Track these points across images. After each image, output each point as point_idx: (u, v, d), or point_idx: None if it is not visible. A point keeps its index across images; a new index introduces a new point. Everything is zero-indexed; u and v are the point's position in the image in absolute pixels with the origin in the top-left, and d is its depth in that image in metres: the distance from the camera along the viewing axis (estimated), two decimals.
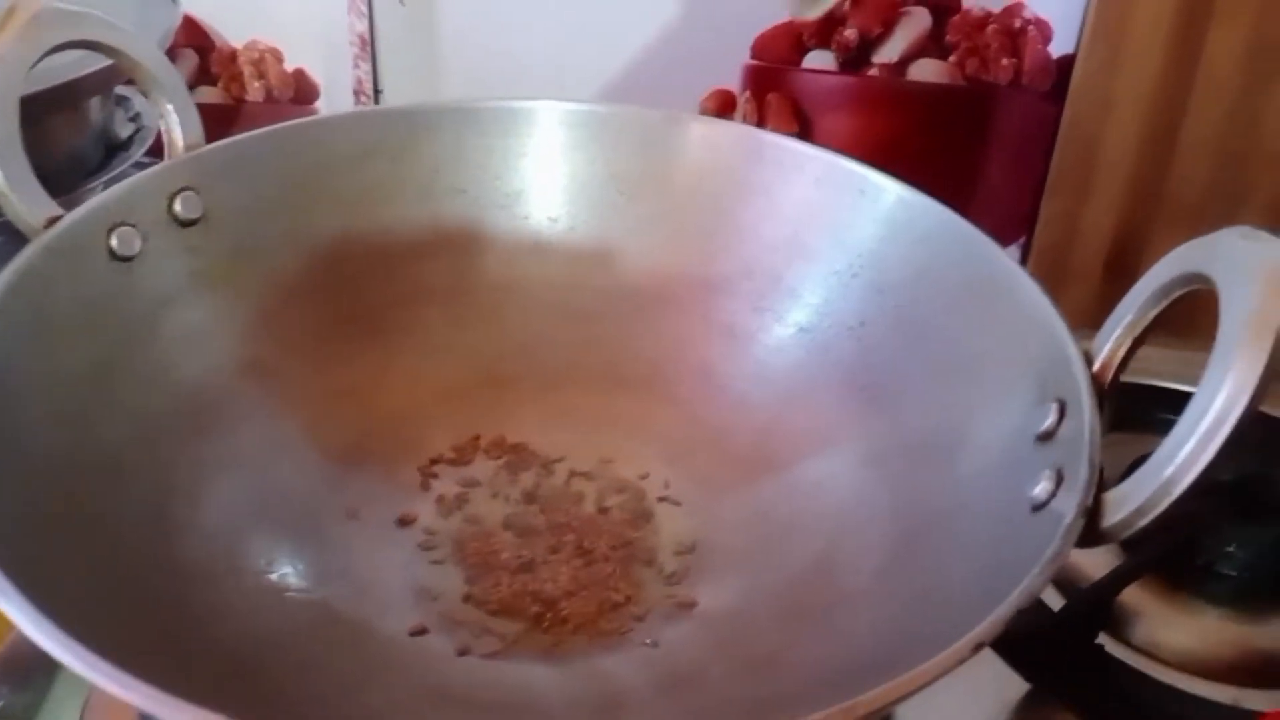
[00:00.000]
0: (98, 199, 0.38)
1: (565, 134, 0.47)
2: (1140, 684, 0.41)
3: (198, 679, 0.29)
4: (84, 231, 0.38)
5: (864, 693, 0.24)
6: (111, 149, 0.61)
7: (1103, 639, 0.42)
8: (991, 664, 0.42)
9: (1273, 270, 0.27)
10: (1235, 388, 0.27)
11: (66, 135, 0.56)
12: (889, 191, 0.43)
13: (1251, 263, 0.28)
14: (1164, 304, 0.33)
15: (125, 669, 0.24)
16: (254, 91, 0.73)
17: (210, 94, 0.73)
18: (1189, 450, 0.27)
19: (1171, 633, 0.43)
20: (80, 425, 0.34)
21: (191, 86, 0.73)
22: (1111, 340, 0.34)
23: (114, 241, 0.38)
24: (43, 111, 0.52)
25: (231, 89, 0.73)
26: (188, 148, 0.42)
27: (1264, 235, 0.29)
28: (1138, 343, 0.34)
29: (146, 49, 0.40)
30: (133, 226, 0.39)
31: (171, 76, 0.41)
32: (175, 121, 0.41)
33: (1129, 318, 0.33)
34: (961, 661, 0.25)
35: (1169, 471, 0.28)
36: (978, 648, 0.25)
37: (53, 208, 0.38)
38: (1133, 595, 0.44)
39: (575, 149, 0.47)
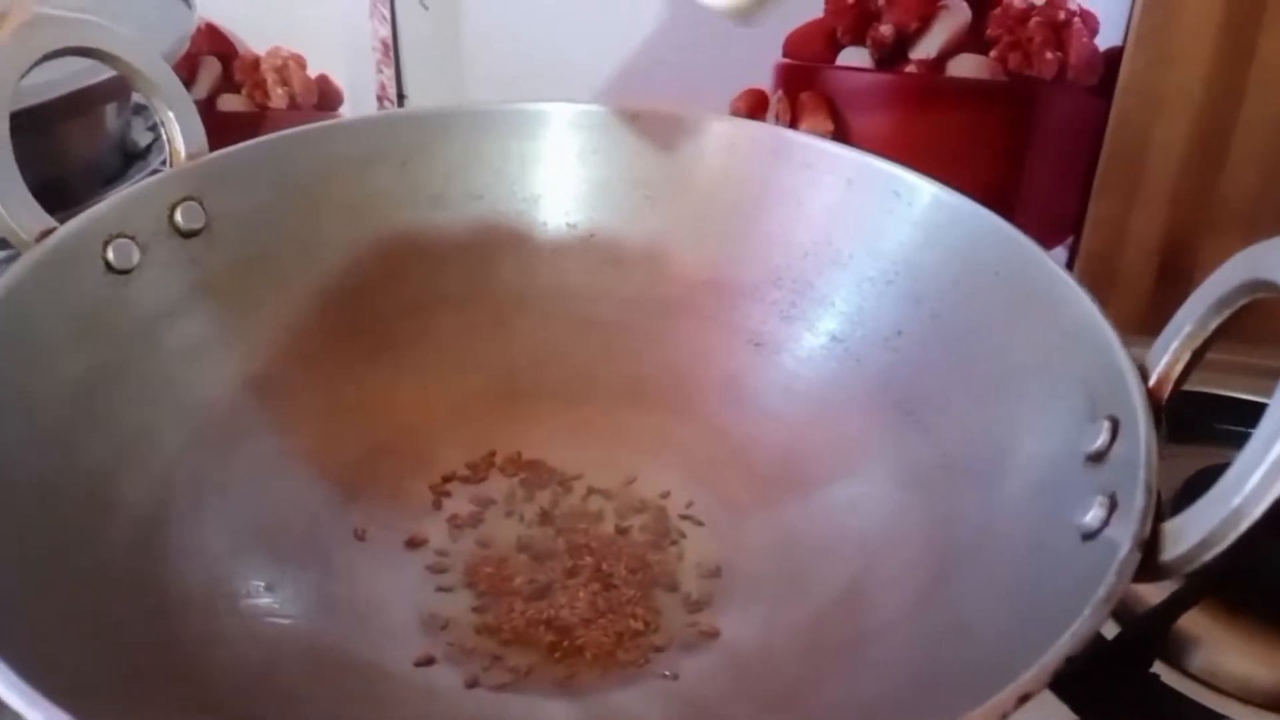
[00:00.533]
0: (93, 210, 0.37)
1: (583, 136, 0.45)
2: (1198, 716, 0.38)
3: (177, 711, 0.27)
4: (78, 245, 0.36)
5: None
6: (130, 158, 0.60)
7: (1158, 668, 0.39)
8: (1039, 696, 0.39)
9: None
10: None
11: (81, 144, 0.55)
12: (925, 192, 0.41)
13: None
14: (1226, 314, 0.30)
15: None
16: (277, 99, 0.72)
17: (234, 101, 0.72)
18: (1261, 476, 0.24)
19: (1232, 659, 0.41)
20: (67, 445, 0.33)
21: (215, 94, 0.72)
22: (1169, 353, 0.31)
23: (110, 254, 0.37)
24: (55, 119, 0.51)
25: (255, 96, 0.72)
26: (190, 156, 0.40)
27: None
28: (1198, 355, 0.31)
29: (145, 55, 0.39)
30: (130, 239, 0.38)
31: (172, 83, 0.39)
32: (177, 130, 0.40)
33: (1188, 328, 0.31)
34: (1004, 715, 0.23)
35: (1237, 501, 0.25)
36: (1023, 699, 0.23)
37: (46, 220, 0.36)
38: (1190, 619, 0.41)
39: (594, 151, 0.45)
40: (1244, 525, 0.25)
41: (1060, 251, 0.69)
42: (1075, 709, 0.38)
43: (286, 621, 0.35)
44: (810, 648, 0.35)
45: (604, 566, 0.39)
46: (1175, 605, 0.40)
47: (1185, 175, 0.64)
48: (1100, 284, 0.66)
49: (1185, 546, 0.26)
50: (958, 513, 0.35)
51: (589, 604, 0.38)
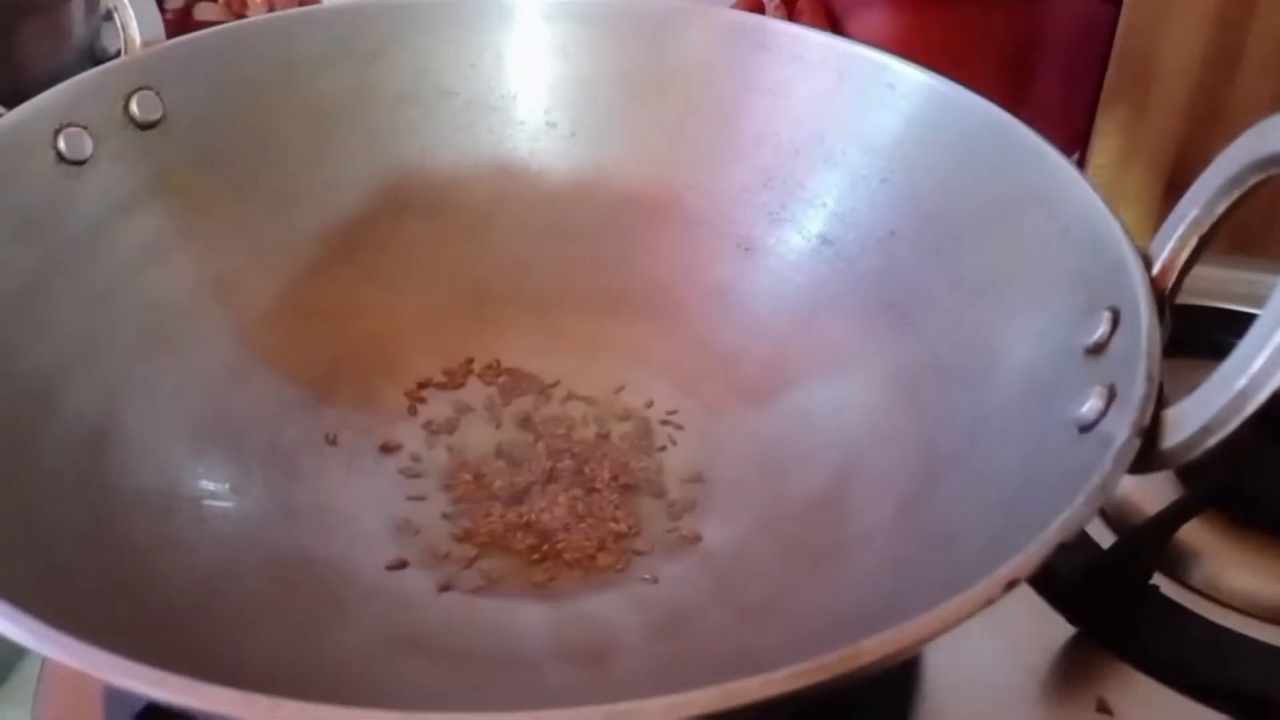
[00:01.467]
0: (43, 96, 0.35)
1: (562, 29, 0.43)
2: (1198, 628, 0.37)
3: (137, 621, 0.26)
4: (28, 132, 0.34)
5: (868, 639, 0.20)
6: (100, 64, 0.58)
7: (1158, 580, 0.38)
8: (1032, 605, 0.38)
9: None
10: None
11: (44, 47, 0.53)
12: (920, 84, 0.39)
13: None
14: (1235, 195, 0.28)
15: (42, 619, 0.21)
16: (255, 7, 0.69)
17: (210, 10, 0.70)
18: (1267, 358, 0.23)
19: (1234, 573, 0.39)
20: (8, 344, 0.31)
21: (190, 4, 0.69)
22: (1174, 239, 0.29)
23: (61, 143, 0.35)
24: (13, 19, 0.49)
25: (232, 5, 0.70)
26: (145, 44, 0.38)
27: None
28: (1204, 242, 0.29)
29: None
30: (83, 128, 0.36)
31: None
32: (131, 15, 0.38)
33: (1194, 212, 0.29)
34: (991, 601, 0.21)
35: (1241, 383, 0.23)
36: (1010, 585, 0.21)
37: None
38: (1192, 532, 0.40)
39: (574, 46, 0.43)
40: (1248, 409, 0.23)
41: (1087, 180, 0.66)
42: (1071, 620, 0.37)
43: (248, 523, 0.33)
44: (790, 553, 0.33)
45: (585, 471, 0.38)
46: (1174, 516, 0.38)
47: (1196, 85, 0.61)
48: (1109, 196, 0.63)
49: (1187, 433, 0.24)
50: (948, 414, 0.33)
51: (569, 509, 0.37)
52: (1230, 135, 0.64)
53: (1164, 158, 0.64)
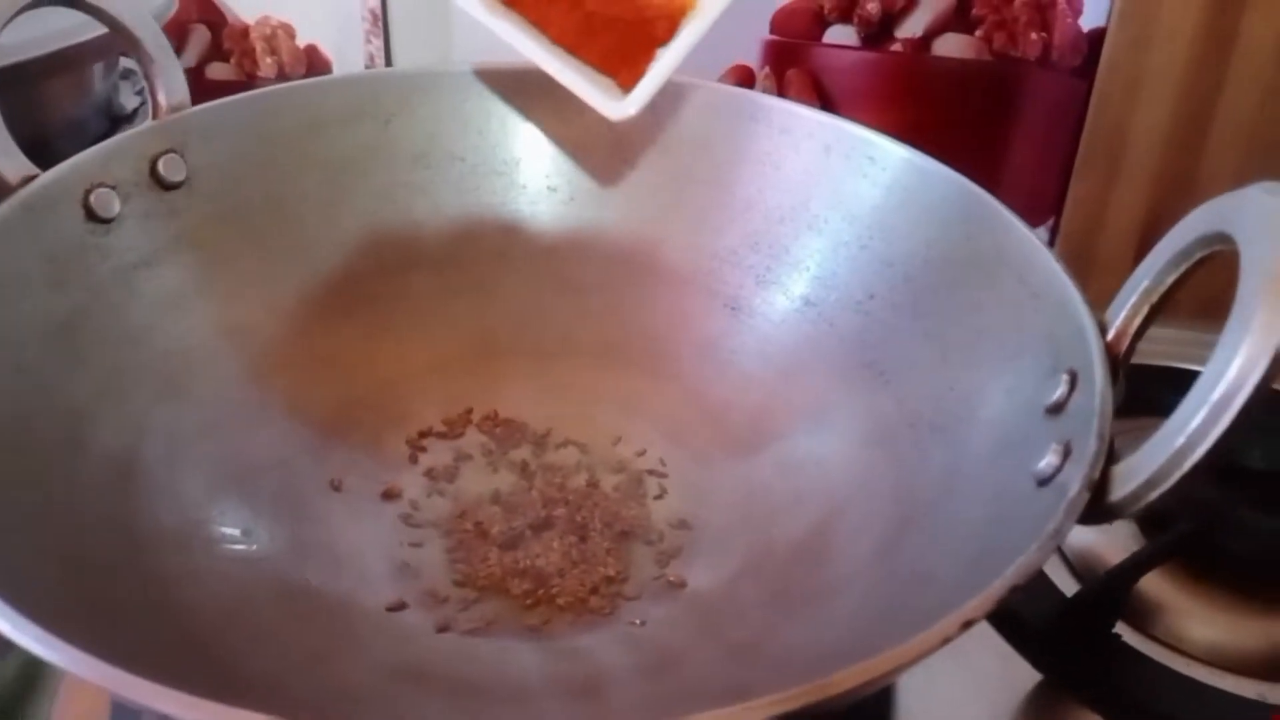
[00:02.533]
0: (76, 159, 0.37)
1: (563, 99, 0.45)
2: (1159, 676, 0.39)
3: (151, 647, 0.28)
4: (59, 191, 0.37)
5: (837, 672, 0.22)
6: (116, 121, 0.60)
7: (1122, 630, 0.40)
8: (1000, 651, 0.40)
9: None
10: (1253, 352, 0.25)
11: (66, 103, 0.56)
12: (898, 157, 0.41)
13: (1275, 218, 0.26)
14: (1184, 267, 0.30)
15: (72, 642, 0.23)
16: (266, 68, 0.72)
17: (222, 70, 0.72)
18: (1202, 418, 0.25)
19: (1195, 625, 0.41)
20: (45, 385, 0.33)
21: (203, 63, 0.72)
22: (1127, 307, 0.32)
23: (92, 202, 0.38)
24: (41, 77, 0.52)
25: (244, 65, 0.72)
26: (172, 109, 0.40)
27: None
28: (1154, 311, 0.31)
29: (126, 6, 0.39)
30: (112, 188, 0.38)
31: (154, 34, 0.40)
32: (159, 82, 0.40)
33: (1145, 283, 0.31)
34: (948, 639, 0.23)
35: (1180, 441, 0.26)
36: (966, 625, 0.23)
37: (29, 167, 0.37)
38: (1156, 585, 0.42)
39: (575, 114, 0.46)
40: (1187, 465, 0.25)
41: (1042, 232, 0.69)
42: (1037, 666, 0.39)
43: (260, 562, 0.35)
44: (774, 597, 0.35)
45: (578, 518, 0.40)
46: (1136, 566, 0.40)
47: (1166, 156, 0.64)
48: (1080, 263, 0.66)
49: (1132, 486, 0.27)
50: (922, 467, 0.36)
51: (563, 554, 0.38)
52: (1198, 205, 0.67)
53: (1134, 226, 0.66)
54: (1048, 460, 0.30)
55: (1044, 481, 0.29)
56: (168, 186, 0.40)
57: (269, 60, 0.72)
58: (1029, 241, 0.36)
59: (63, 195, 0.37)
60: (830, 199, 0.43)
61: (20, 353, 0.33)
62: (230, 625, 0.32)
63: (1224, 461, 0.43)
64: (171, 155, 0.40)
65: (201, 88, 0.72)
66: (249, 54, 0.72)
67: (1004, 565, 0.25)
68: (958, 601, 0.25)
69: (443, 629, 0.36)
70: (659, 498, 0.41)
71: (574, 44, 0.41)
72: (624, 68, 0.41)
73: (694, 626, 0.35)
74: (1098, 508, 0.27)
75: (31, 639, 0.23)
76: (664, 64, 0.41)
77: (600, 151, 0.46)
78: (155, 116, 0.41)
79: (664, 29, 0.41)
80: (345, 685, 0.32)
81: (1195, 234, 0.30)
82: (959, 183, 0.39)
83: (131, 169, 0.39)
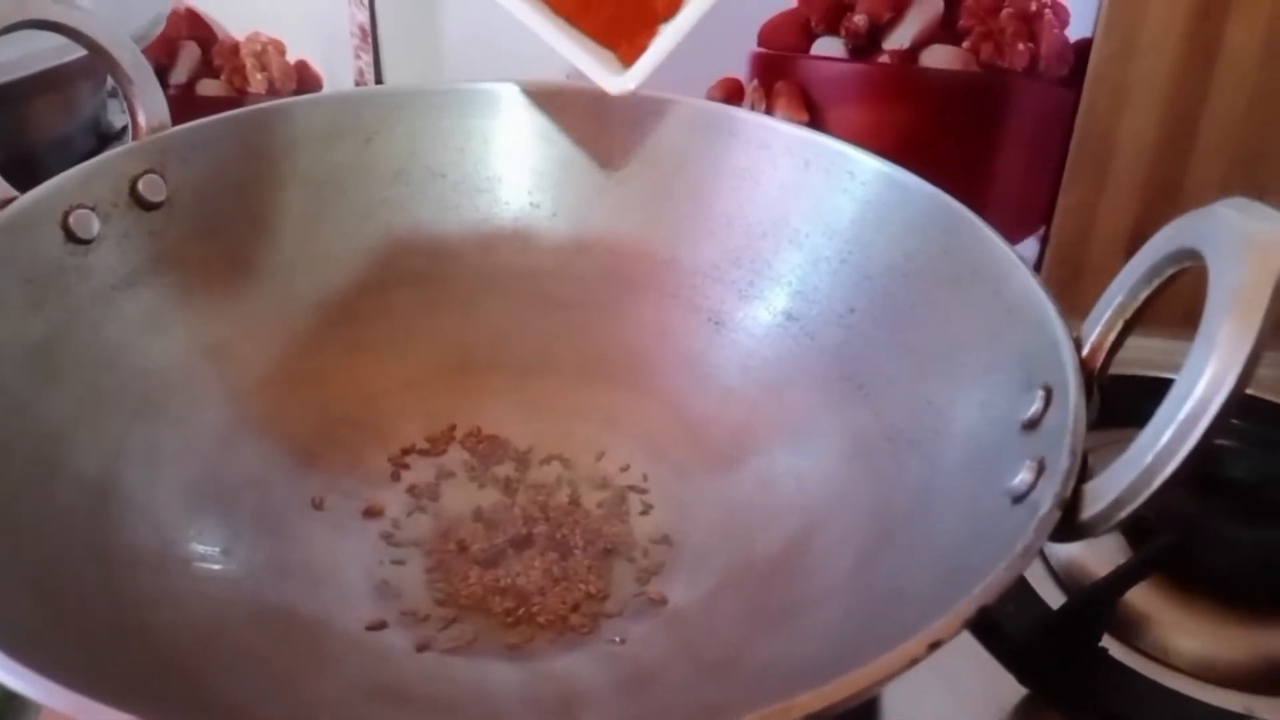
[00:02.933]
0: (55, 180, 0.38)
1: (543, 116, 0.46)
2: (1146, 690, 0.39)
3: (126, 671, 0.28)
4: (38, 213, 0.37)
5: (801, 694, 0.22)
6: (104, 139, 0.61)
7: (1109, 643, 0.40)
8: (986, 665, 0.39)
9: (1264, 243, 0.25)
10: (1220, 369, 0.25)
11: (54, 122, 0.56)
12: (878, 172, 0.41)
13: (1241, 235, 0.26)
14: (1156, 284, 0.31)
15: (43, 671, 0.23)
16: (256, 84, 0.72)
17: (213, 87, 0.73)
18: (1170, 437, 0.25)
19: (1182, 638, 0.41)
20: (21, 405, 0.33)
21: (194, 79, 0.72)
22: (1101, 323, 0.32)
23: (71, 223, 0.38)
24: (27, 97, 0.52)
25: (234, 81, 0.73)
26: (152, 129, 0.41)
27: (1257, 207, 0.27)
28: (1129, 326, 0.31)
29: (105, 28, 0.39)
30: (91, 209, 0.38)
31: (133, 56, 0.40)
32: (139, 103, 0.40)
33: (1119, 299, 0.31)
34: (914, 661, 0.23)
35: (1149, 460, 0.25)
36: (934, 646, 0.23)
37: (7, 190, 0.37)
38: (1142, 598, 0.42)
39: (555, 131, 0.46)
40: (1156, 483, 0.25)
41: (1031, 242, 0.69)
42: (1023, 681, 0.39)
43: (238, 582, 0.35)
44: (751, 613, 0.35)
45: (559, 536, 0.40)
46: (1122, 579, 0.40)
47: (1153, 165, 0.64)
48: (1069, 273, 0.66)
49: (1102, 505, 0.27)
50: (899, 483, 0.36)
51: (544, 572, 0.38)
52: (1185, 212, 0.67)
53: (1123, 234, 0.66)
54: (1022, 477, 0.30)
55: (1018, 498, 0.29)
56: (148, 207, 0.40)
57: (259, 76, 0.72)
58: (1006, 256, 0.36)
59: (42, 216, 0.37)
60: (810, 214, 0.43)
61: None
62: (207, 646, 0.32)
63: (1206, 474, 0.43)
64: (151, 175, 0.40)
65: (192, 104, 0.72)
66: (239, 70, 0.72)
67: (977, 582, 0.25)
68: (934, 615, 0.24)
69: (422, 648, 0.36)
70: (643, 514, 0.41)
71: (574, 14, 0.41)
72: (624, 41, 0.41)
73: (673, 643, 0.35)
74: (1069, 526, 0.27)
75: (16, 678, 0.23)
76: (665, 39, 0.40)
77: (582, 168, 0.46)
78: (135, 137, 0.41)
79: (666, 4, 0.40)
80: (322, 705, 0.32)
81: (1166, 251, 0.30)
82: (937, 197, 0.39)
83: (111, 189, 0.39)
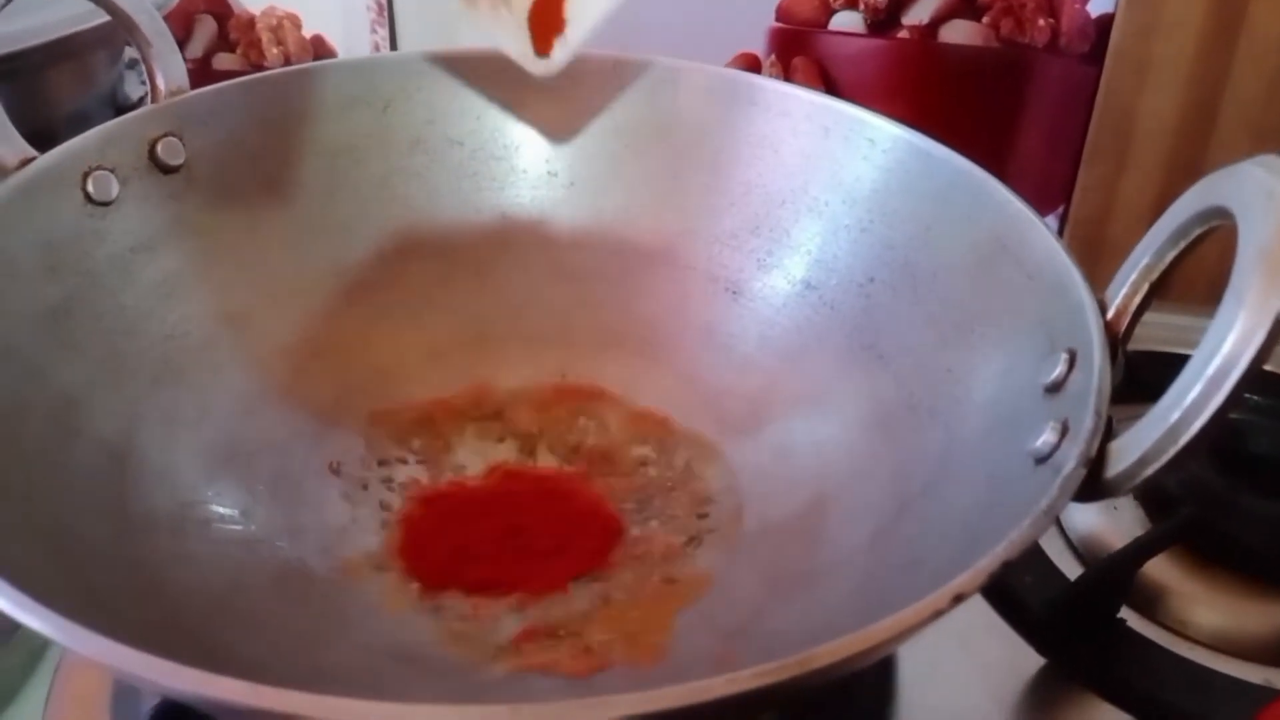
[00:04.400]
0: (74, 141, 0.37)
1: (563, 84, 0.45)
2: (1164, 662, 0.38)
3: (142, 629, 0.28)
4: (58, 174, 0.37)
5: (825, 644, 0.22)
6: (121, 110, 0.61)
7: (1127, 615, 0.40)
8: (1004, 636, 0.39)
9: None
10: (1248, 325, 0.24)
11: (70, 93, 0.56)
12: (899, 139, 0.41)
13: (1270, 192, 0.26)
14: (1183, 244, 0.30)
15: (82, 623, 0.23)
16: (272, 58, 0.72)
17: (228, 60, 0.73)
18: (1197, 393, 0.25)
19: (1201, 610, 0.41)
20: (39, 368, 0.33)
21: (210, 53, 0.72)
22: (1127, 285, 0.31)
23: (90, 185, 0.37)
24: (44, 66, 0.52)
25: (250, 55, 0.73)
26: (171, 93, 0.41)
27: None
28: (1155, 288, 0.31)
29: None
30: (110, 171, 0.38)
31: (151, 19, 0.40)
32: (157, 66, 0.40)
33: (1145, 260, 0.31)
34: (939, 613, 0.23)
35: (1175, 416, 0.25)
36: (957, 599, 0.23)
37: (27, 150, 0.37)
38: (1161, 571, 0.41)
39: (574, 99, 0.46)
40: (1184, 439, 0.25)
41: (1051, 220, 0.69)
42: (1041, 651, 0.39)
43: (255, 544, 0.35)
44: (769, 580, 0.35)
45: (570, 510, 0.39)
46: (1140, 551, 0.40)
47: (1175, 142, 0.64)
48: (1090, 250, 0.66)
49: (1128, 462, 0.26)
50: (919, 448, 0.35)
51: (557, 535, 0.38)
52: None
53: (1143, 212, 0.66)
54: (1045, 438, 0.29)
55: (1041, 460, 0.29)
56: (166, 170, 0.40)
57: (275, 50, 0.72)
58: (1029, 221, 0.35)
59: (61, 178, 0.37)
60: (830, 182, 0.43)
61: (17, 337, 0.33)
62: (223, 607, 0.32)
63: (1227, 448, 0.43)
64: (170, 139, 0.40)
65: (208, 78, 0.72)
66: (255, 44, 0.72)
67: (1000, 540, 0.25)
68: (950, 580, 0.24)
69: (436, 610, 0.35)
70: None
71: None
72: (541, 25, 0.41)
73: (690, 611, 0.35)
74: (1094, 485, 0.27)
75: (36, 618, 0.23)
76: (580, 25, 0.40)
77: (600, 136, 0.46)
78: (154, 100, 0.41)
79: None
80: (340, 665, 0.32)
81: (1193, 210, 0.29)
82: (958, 163, 0.39)
83: (130, 152, 0.39)
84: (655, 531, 0.38)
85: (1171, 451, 0.25)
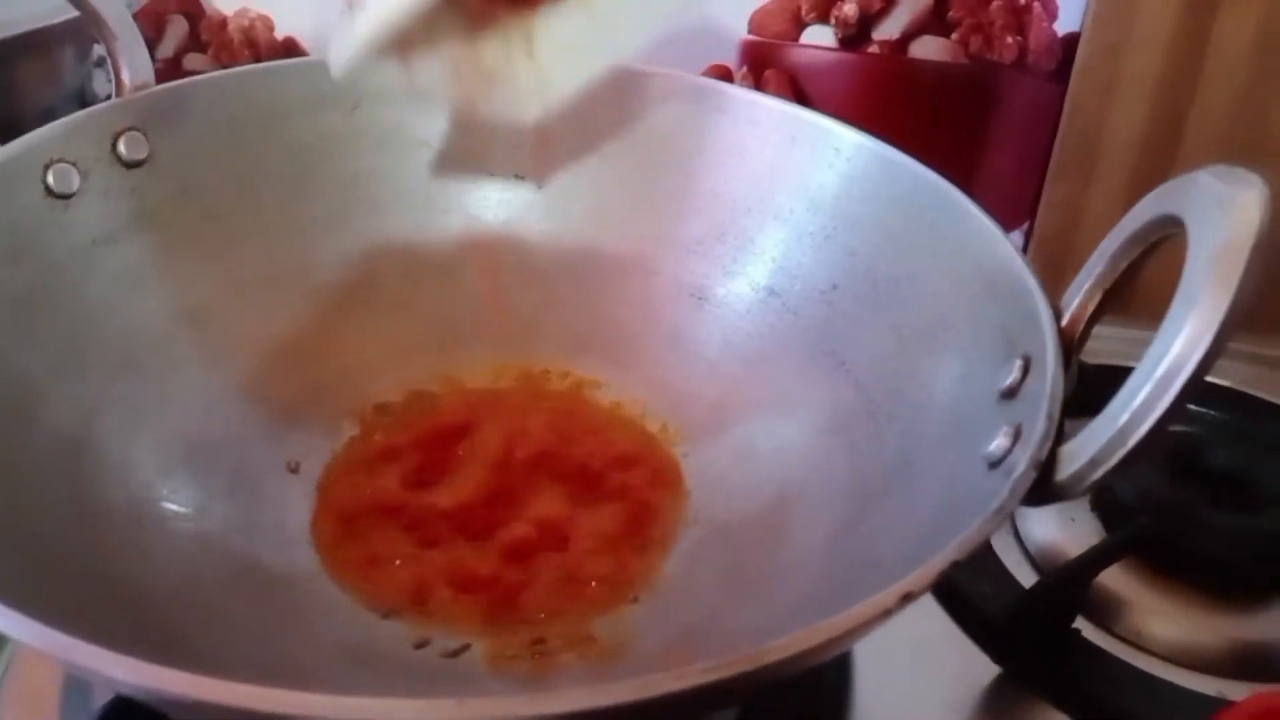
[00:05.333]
0: (35, 133, 0.37)
1: None
2: (1119, 672, 0.39)
3: (98, 622, 0.28)
4: (18, 166, 0.36)
5: (773, 640, 0.22)
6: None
7: (1083, 626, 0.40)
8: (959, 644, 0.40)
9: (1243, 204, 0.25)
10: (1196, 329, 0.25)
11: (38, 89, 0.56)
12: (863, 148, 0.41)
13: (1221, 198, 0.26)
14: (1136, 253, 0.31)
15: (27, 614, 0.22)
16: (244, 60, 0.72)
17: (200, 61, 0.72)
18: (1146, 395, 0.25)
19: (1156, 622, 0.41)
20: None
21: (181, 54, 0.72)
22: (1081, 293, 0.32)
23: (50, 178, 0.37)
24: (10, 60, 0.52)
25: (221, 57, 0.72)
26: (136, 88, 0.40)
27: (1237, 172, 0.27)
28: (1109, 296, 0.32)
29: None
30: (71, 164, 0.38)
31: (118, 12, 0.40)
32: (122, 60, 0.40)
33: (1099, 269, 0.31)
34: (888, 612, 0.23)
35: (1124, 419, 0.26)
36: (906, 598, 0.23)
37: None
38: (1117, 582, 0.42)
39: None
40: (1131, 441, 0.25)
41: (1017, 236, 0.69)
42: (995, 659, 0.39)
43: (212, 540, 0.35)
44: (729, 580, 0.35)
45: (531, 512, 0.39)
46: (1095, 560, 0.40)
47: (1140, 159, 0.64)
48: (1055, 266, 0.66)
49: (1077, 465, 0.27)
50: (878, 455, 0.36)
51: (525, 545, 0.38)
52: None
53: (1109, 229, 0.66)
54: (998, 443, 0.30)
55: (994, 464, 0.30)
56: (129, 165, 0.40)
57: (247, 53, 0.72)
58: (988, 230, 0.36)
59: (22, 169, 0.36)
60: (795, 189, 0.43)
61: None
62: (179, 603, 0.32)
63: (1183, 462, 0.44)
64: (134, 133, 0.40)
65: (178, 78, 0.72)
66: (226, 46, 0.71)
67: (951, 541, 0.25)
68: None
69: (392, 612, 0.35)
70: None
71: None
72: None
73: (646, 608, 0.35)
74: (1044, 488, 0.27)
75: None
76: (360, 26, 0.39)
77: (568, 141, 0.46)
78: (119, 95, 0.40)
79: None
80: (296, 663, 0.32)
81: (1146, 218, 0.30)
82: (921, 172, 0.39)
83: (93, 145, 0.39)
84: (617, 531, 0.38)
85: (1121, 453, 0.26)
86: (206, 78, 0.42)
